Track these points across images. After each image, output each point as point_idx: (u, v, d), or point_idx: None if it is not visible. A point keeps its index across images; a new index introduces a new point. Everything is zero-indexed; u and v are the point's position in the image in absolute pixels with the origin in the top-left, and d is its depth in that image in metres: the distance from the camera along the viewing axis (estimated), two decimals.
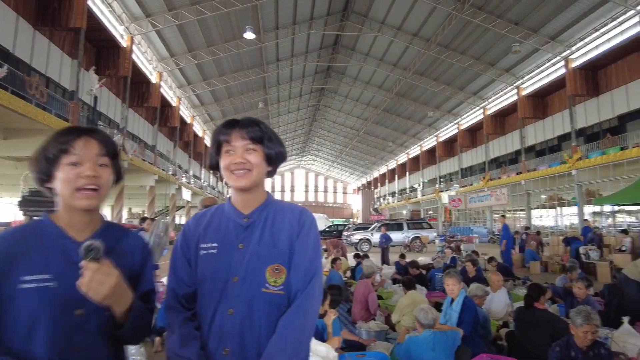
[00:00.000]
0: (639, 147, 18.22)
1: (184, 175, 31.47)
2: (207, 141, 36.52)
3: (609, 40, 20.25)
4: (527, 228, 16.72)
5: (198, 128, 35.80)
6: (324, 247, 12.76)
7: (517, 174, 26.78)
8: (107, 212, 28.25)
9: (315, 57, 30.07)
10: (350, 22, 25.54)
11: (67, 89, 16.54)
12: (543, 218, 28.34)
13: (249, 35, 20.56)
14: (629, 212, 22.33)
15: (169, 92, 27.76)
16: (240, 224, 1.37)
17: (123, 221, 23.78)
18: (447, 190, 35.67)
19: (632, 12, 18.25)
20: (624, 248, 10.72)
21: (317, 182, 73.88)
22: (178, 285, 1.36)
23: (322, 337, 3.68)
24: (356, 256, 9.63)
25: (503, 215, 13.44)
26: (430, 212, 41.95)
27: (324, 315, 3.59)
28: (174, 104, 28.31)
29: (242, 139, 1.35)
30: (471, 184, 33.08)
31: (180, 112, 29.61)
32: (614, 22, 19.48)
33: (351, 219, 62.21)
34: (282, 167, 68.26)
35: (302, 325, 1.28)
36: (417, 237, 20.88)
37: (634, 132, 19.76)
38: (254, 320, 1.29)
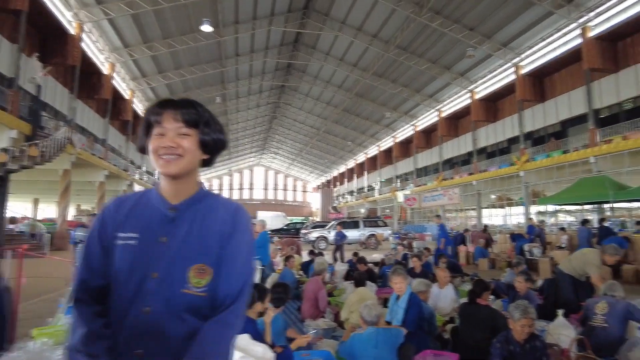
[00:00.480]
0: (579, 151, 19.46)
1: (137, 171, 30.23)
2: None
3: (554, 49, 21.48)
4: (486, 227, 17.40)
5: None
6: (279, 246, 12.65)
7: (469, 174, 27.88)
8: (53, 209, 26.67)
9: (275, 53, 29.79)
10: (311, 21, 25.50)
11: (5, 75, 15.39)
12: (493, 217, 29.64)
13: (207, 28, 20.06)
14: (569, 212, 23.77)
15: (122, 84, 26.55)
16: (166, 215, 1.25)
17: (70, 218, 22.52)
18: (402, 190, 36.55)
19: (574, 24, 19.44)
20: (562, 245, 11.40)
21: (276, 180, 73.41)
22: (90, 276, 1.24)
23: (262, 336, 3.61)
24: (311, 253, 9.61)
25: (438, 216, 13.87)
26: (387, 210, 42.79)
27: (264, 314, 3.50)
28: (127, 97, 27.12)
29: (175, 120, 1.23)
30: (425, 184, 34.06)
31: (134, 106, 28.41)
32: (559, 33, 20.68)
33: (310, 217, 62.38)
34: (241, 165, 67.29)
35: (224, 337, 1.19)
36: (373, 235, 21.21)
37: (575, 136, 21.09)
38: (171, 322, 1.18)
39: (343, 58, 29.04)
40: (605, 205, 16.31)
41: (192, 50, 25.07)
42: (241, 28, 24.50)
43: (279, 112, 44.43)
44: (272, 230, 30.75)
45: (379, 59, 26.81)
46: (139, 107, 30.03)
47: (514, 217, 27.43)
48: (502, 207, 27.71)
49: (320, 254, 9.39)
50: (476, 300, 4.26)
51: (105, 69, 23.24)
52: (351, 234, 21.77)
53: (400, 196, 34.93)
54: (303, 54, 30.02)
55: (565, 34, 20.38)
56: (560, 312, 4.34)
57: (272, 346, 3.25)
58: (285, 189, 73.73)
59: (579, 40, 19.44)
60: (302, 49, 29.79)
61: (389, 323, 4.15)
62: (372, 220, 23.53)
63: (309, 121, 44.05)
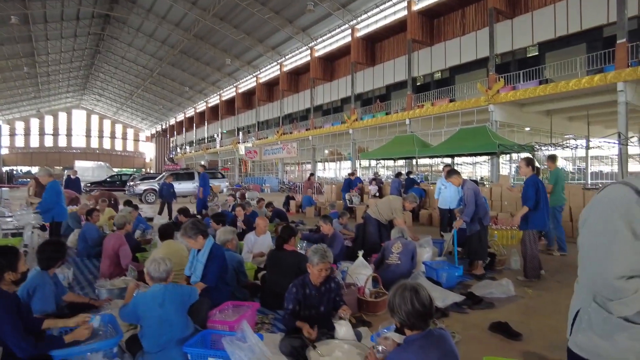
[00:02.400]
0: (398, 114, 21.90)
1: None
2: None
3: (385, 17, 23.15)
4: (312, 175, 18.14)
5: None
6: (90, 201, 10.97)
7: (306, 130, 29.01)
8: None
9: None
10: None
11: None
12: (326, 170, 31.79)
13: None
14: (387, 167, 26.97)
15: None
16: None
17: None
18: (244, 142, 36.11)
19: None
20: (374, 193, 12.79)
21: (102, 126, 64.28)
22: None
23: None
24: (127, 204, 8.50)
25: (203, 165, 13.43)
26: (229, 163, 42.02)
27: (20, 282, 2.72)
28: None
29: None
30: (266, 137, 34.28)
31: None
32: (390, 2, 22.29)
33: (144, 169, 57.26)
34: (55, 105, 56.64)
35: None
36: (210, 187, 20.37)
37: (397, 99, 23.60)
38: None
39: None
40: (414, 162, 18.88)
41: None
42: None
43: (104, 46, 38.07)
44: (94, 183, 27.09)
45: None
46: None
47: (343, 170, 29.86)
48: (333, 161, 29.84)
49: (136, 207, 8.35)
50: (283, 246, 4.18)
51: None
52: (185, 186, 20.53)
53: (242, 149, 34.46)
54: None
55: (395, 3, 22.09)
56: (360, 253, 4.60)
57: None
58: (112, 137, 65.33)
59: (405, 12, 21.31)
60: None
61: (189, 278, 3.76)
62: (208, 171, 22.50)
63: (140, 60, 39.07)
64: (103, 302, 3.83)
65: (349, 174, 14.00)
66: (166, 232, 5.11)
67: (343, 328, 3.10)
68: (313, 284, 3.26)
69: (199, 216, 9.29)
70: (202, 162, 23.26)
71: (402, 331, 2.04)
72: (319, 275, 3.22)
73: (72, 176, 13.60)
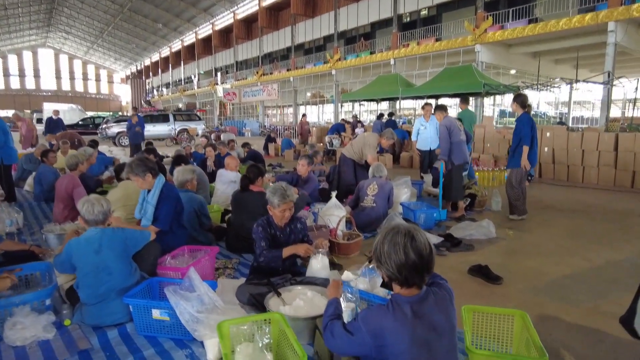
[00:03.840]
0: (382, 53, 20.93)
1: None
2: None
3: None
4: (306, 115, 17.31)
5: None
6: (53, 141, 10.29)
7: (287, 70, 27.75)
8: None
9: None
10: None
11: None
12: (308, 114, 30.92)
13: None
14: (370, 111, 26.36)
15: None
16: None
17: None
18: (222, 84, 34.59)
19: None
20: (354, 136, 12.38)
21: (72, 67, 60.68)
22: None
23: None
24: (91, 144, 7.91)
25: (134, 108, 13.55)
26: (208, 106, 40.58)
27: None
28: None
29: None
30: (245, 78, 32.86)
31: None
32: None
33: (120, 113, 55.14)
34: (17, 44, 52.89)
35: None
36: (185, 130, 19.63)
37: (382, 38, 22.49)
38: None
39: None
40: (398, 105, 18.31)
41: None
42: None
43: None
44: (67, 126, 25.80)
45: None
46: None
47: (326, 114, 29.12)
48: (315, 104, 28.96)
49: (94, 143, 7.79)
50: (249, 187, 3.80)
51: None
52: (160, 128, 19.77)
53: (220, 90, 33.01)
54: None
55: None
56: (333, 194, 4.26)
57: None
58: (85, 79, 62.02)
59: None
60: None
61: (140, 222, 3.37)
62: (183, 113, 21.60)
63: None
64: (46, 250, 3.44)
65: (342, 120, 13.49)
66: (120, 171, 4.68)
67: (320, 262, 2.87)
68: (277, 225, 2.94)
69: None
70: (139, 107, 22.48)
71: (390, 286, 1.57)
72: (282, 217, 2.91)
73: (53, 117, 12.76)
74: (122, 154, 12.55)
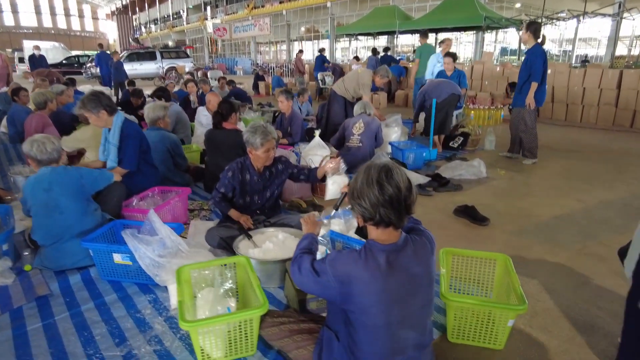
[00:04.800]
0: None
1: None
2: None
3: None
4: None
5: None
6: (30, 78, 9.80)
7: (280, 2, 26.16)
8: None
9: None
10: None
11: None
12: (305, 52, 29.69)
13: None
14: (367, 47, 25.23)
15: None
16: None
17: None
18: (212, 19, 32.82)
19: None
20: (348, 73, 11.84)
21: (52, 1, 57.18)
22: None
23: None
24: (67, 82, 7.51)
25: (100, 45, 12.89)
26: (198, 44, 38.83)
27: None
28: None
29: None
30: (236, 12, 31.08)
31: None
32: None
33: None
34: None
35: None
36: (173, 68, 18.83)
37: None
38: None
39: None
40: (395, 41, 17.45)
41: None
42: None
43: None
44: (50, 65, 24.73)
45: None
46: None
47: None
48: (310, 39, 27.67)
49: (70, 82, 7.39)
50: (222, 124, 3.54)
51: None
52: (147, 66, 18.99)
53: (210, 26, 31.39)
54: None
55: None
56: (317, 132, 4.01)
57: None
58: (67, 15, 58.65)
59: None
60: None
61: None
62: (171, 51, 20.63)
63: None
64: (11, 193, 3.25)
65: (319, 50, 12.75)
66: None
67: (336, 182, 2.63)
68: (255, 169, 2.64)
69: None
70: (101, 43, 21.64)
71: (365, 232, 1.37)
72: (266, 158, 2.56)
73: (36, 54, 12.07)
74: (107, 93, 12.05)
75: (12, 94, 6.15)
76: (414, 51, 6.19)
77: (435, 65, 6.53)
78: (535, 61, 4.41)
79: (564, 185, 4.04)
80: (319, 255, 1.95)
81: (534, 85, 4.48)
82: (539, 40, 4.47)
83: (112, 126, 2.96)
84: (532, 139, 4.76)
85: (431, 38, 6.67)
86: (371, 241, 1.31)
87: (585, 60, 17.51)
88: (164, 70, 18.68)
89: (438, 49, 6.70)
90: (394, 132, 5.10)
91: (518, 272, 2.29)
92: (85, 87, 11.76)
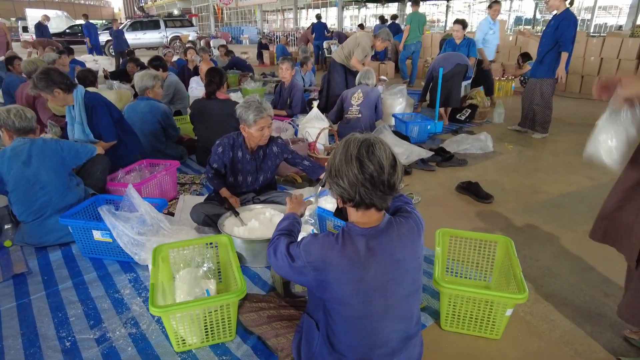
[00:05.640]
0: None
1: None
2: None
3: None
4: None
5: None
6: (29, 47, 9.59)
7: None
8: None
9: None
10: None
11: None
12: (309, 20, 28.88)
13: None
14: (375, 15, 24.43)
15: None
16: None
17: None
18: None
19: None
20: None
21: None
22: None
23: None
24: (64, 51, 7.30)
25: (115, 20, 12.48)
26: (204, 12, 37.95)
27: None
28: None
29: None
30: None
31: None
32: None
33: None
34: None
35: None
36: (177, 37, 18.44)
37: None
38: None
39: None
40: (406, 11, 16.81)
41: None
42: None
43: None
44: (53, 35, 24.35)
45: None
46: None
47: (329, 19, 27.15)
48: (318, 7, 26.84)
49: (67, 50, 7.19)
50: (215, 94, 3.37)
51: None
52: (151, 36, 18.62)
53: None
54: None
55: None
56: (314, 103, 3.83)
57: None
58: None
59: None
60: None
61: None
62: (175, 19, 20.14)
63: None
64: None
65: (317, 17, 12.24)
66: (84, 79, 4.22)
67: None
68: (248, 148, 2.43)
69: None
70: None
71: (345, 214, 1.24)
72: (260, 137, 2.31)
73: (42, 22, 11.85)
74: (107, 63, 11.82)
75: (7, 63, 5.99)
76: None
77: (487, 32, 5.74)
78: (568, 28, 4.01)
79: (575, 161, 3.84)
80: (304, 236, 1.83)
81: (565, 56, 4.11)
82: (569, 5, 4.10)
83: (74, 103, 2.77)
84: (547, 113, 4.51)
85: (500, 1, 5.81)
86: (350, 224, 1.16)
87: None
88: (168, 39, 18.31)
89: (486, 14, 6.08)
90: (398, 104, 4.89)
91: (520, 254, 2.16)
92: (86, 57, 11.57)
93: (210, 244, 1.87)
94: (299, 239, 1.33)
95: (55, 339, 1.63)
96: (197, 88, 4.92)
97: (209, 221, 2.31)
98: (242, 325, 1.61)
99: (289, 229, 1.43)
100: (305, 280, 1.19)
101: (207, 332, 1.56)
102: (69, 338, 1.64)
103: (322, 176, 2.37)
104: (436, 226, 2.04)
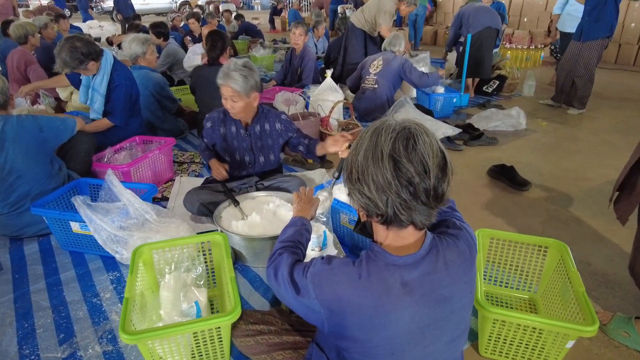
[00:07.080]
0: None
1: None
2: None
3: None
4: None
5: None
6: (30, 18, 9.17)
7: None
8: None
9: None
10: None
11: None
12: None
13: None
14: None
15: None
16: None
17: None
18: None
19: None
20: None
21: None
22: None
23: None
24: (57, 20, 6.91)
25: None
26: None
27: None
28: None
29: None
30: None
31: None
32: None
33: None
34: None
35: None
36: (187, 2, 17.78)
37: None
38: None
39: None
40: None
41: None
42: None
43: None
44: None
45: None
46: None
47: None
48: None
49: (61, 16, 6.80)
50: (219, 59, 3.01)
51: None
52: (159, 0, 18.05)
53: None
54: None
55: None
56: (328, 72, 3.43)
57: None
58: None
59: None
60: None
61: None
62: None
63: None
64: None
65: None
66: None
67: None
68: (241, 122, 2.10)
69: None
70: None
71: (370, 230, 0.92)
72: (231, 108, 1.96)
73: None
74: (113, 29, 11.38)
75: (3, 28, 5.65)
76: None
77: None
78: None
79: (618, 141, 3.43)
80: (314, 241, 1.51)
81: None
82: None
83: (100, 69, 2.46)
84: (588, 86, 4.06)
85: None
86: (377, 248, 0.83)
87: None
88: (177, 4, 17.68)
89: None
90: None
91: None
92: (92, 23, 11.14)
93: (202, 243, 1.57)
94: (308, 249, 1.00)
95: (17, 356, 1.37)
96: (190, 57, 4.54)
97: (205, 210, 2.01)
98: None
99: (294, 240, 1.11)
100: (316, 320, 0.88)
101: (194, 357, 1.28)
102: (32, 357, 1.37)
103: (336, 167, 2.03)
104: (466, 219, 1.70)
